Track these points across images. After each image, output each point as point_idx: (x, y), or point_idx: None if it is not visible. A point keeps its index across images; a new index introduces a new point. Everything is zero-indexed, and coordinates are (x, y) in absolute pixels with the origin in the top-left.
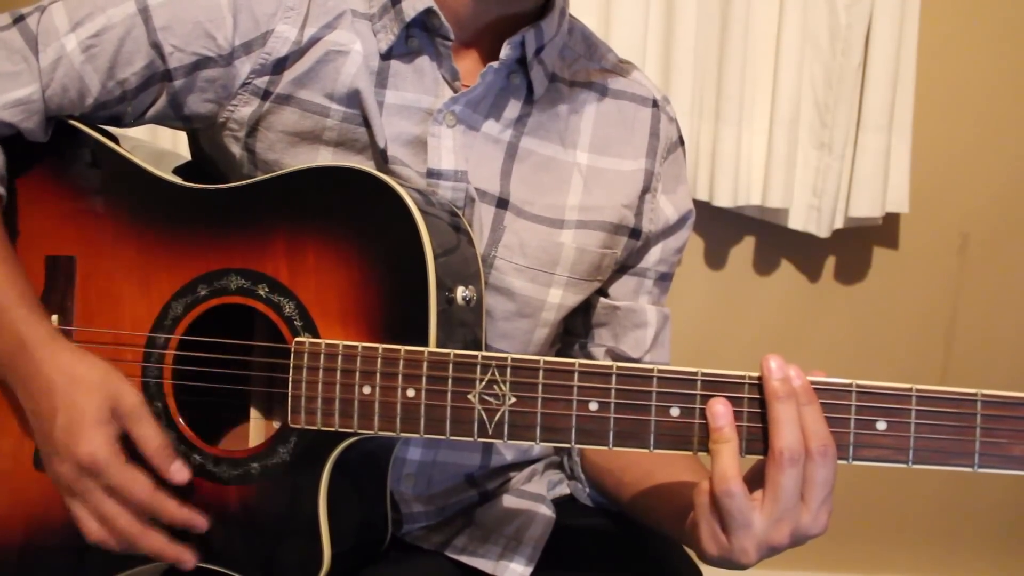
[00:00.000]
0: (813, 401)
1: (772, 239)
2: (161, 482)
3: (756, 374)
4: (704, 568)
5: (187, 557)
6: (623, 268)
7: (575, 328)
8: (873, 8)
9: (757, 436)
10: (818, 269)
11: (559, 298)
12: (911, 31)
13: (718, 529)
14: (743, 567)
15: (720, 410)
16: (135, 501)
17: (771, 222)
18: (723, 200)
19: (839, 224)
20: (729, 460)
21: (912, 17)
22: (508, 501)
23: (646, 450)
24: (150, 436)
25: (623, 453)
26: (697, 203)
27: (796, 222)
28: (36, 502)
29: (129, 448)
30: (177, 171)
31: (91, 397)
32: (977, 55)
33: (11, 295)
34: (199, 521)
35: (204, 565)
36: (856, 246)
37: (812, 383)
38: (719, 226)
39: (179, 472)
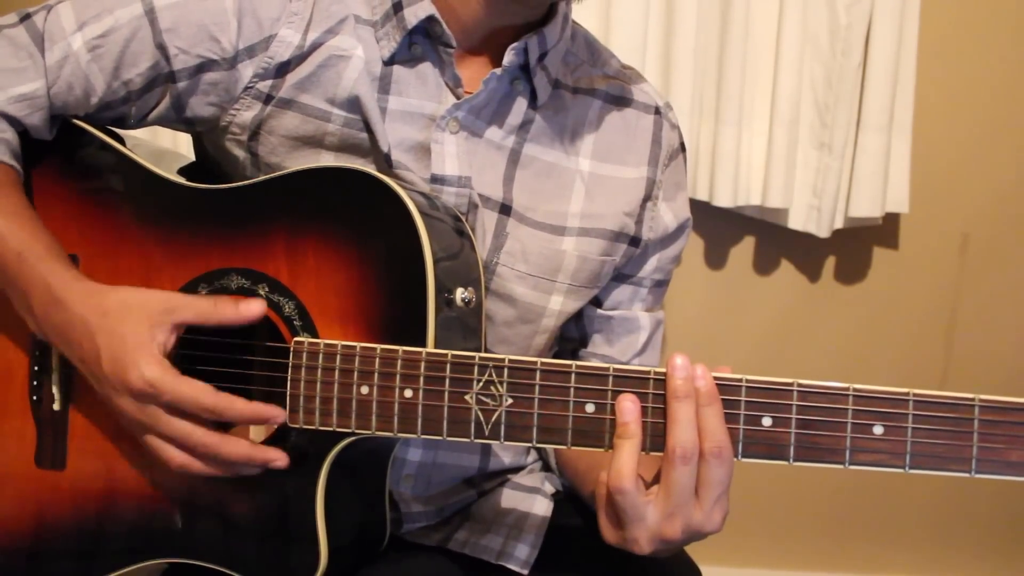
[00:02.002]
0: (714, 402)
1: (772, 239)
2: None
3: (754, 377)
4: (704, 568)
5: (278, 455)
6: (619, 277)
7: (569, 333)
8: (873, 8)
9: (662, 433)
10: (818, 269)
11: (560, 305)
12: (911, 31)
13: (613, 520)
14: (640, 554)
15: (627, 406)
16: (201, 407)
17: (771, 222)
18: (723, 200)
19: (839, 224)
20: (627, 457)
21: (912, 17)
22: (506, 494)
23: (642, 452)
24: (197, 314)
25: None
26: (697, 203)
27: (796, 222)
28: (39, 501)
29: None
30: (182, 171)
31: (126, 322)
32: (977, 55)
33: (37, 249)
34: (273, 412)
35: (204, 564)
36: (856, 246)
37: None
38: (719, 226)
39: (247, 310)
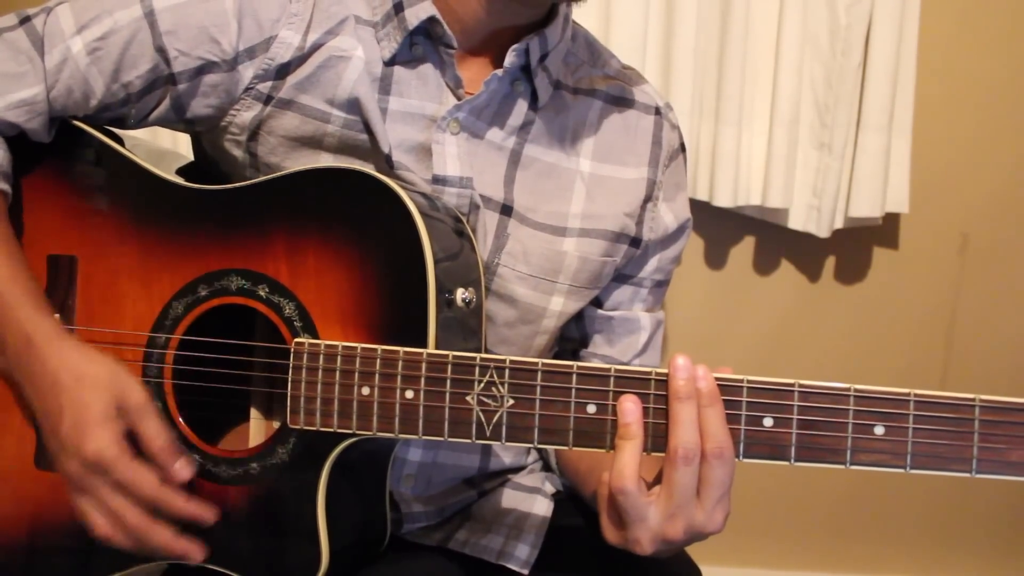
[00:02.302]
0: (716, 403)
1: (772, 239)
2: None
3: (755, 378)
4: (704, 568)
5: (195, 551)
6: (619, 278)
7: (570, 334)
8: (873, 8)
9: (663, 434)
10: (818, 269)
11: (560, 306)
12: (911, 31)
13: (615, 520)
14: (642, 555)
15: (629, 407)
16: (142, 496)
17: (771, 222)
18: (723, 200)
19: (839, 224)
20: (629, 458)
21: (912, 17)
22: (506, 494)
23: (644, 453)
24: (155, 433)
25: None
26: (697, 203)
27: (796, 222)
28: (38, 501)
29: (136, 446)
30: (180, 172)
31: (97, 394)
32: (977, 55)
33: (16, 292)
34: (207, 515)
35: (204, 564)
36: (856, 246)
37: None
38: (719, 226)
39: (183, 470)
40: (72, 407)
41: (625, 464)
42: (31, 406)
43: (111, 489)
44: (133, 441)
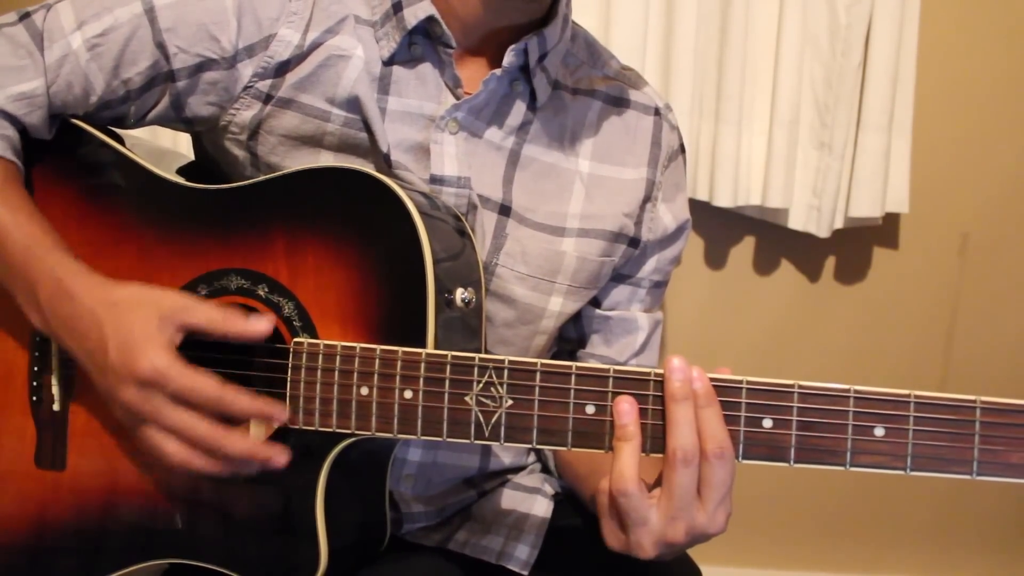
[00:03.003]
0: (713, 403)
1: (772, 239)
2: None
3: (754, 379)
4: (704, 568)
5: (279, 453)
6: (617, 277)
7: (568, 334)
8: (873, 8)
9: (663, 435)
10: (818, 269)
11: (559, 306)
12: (911, 31)
13: (616, 525)
14: (644, 558)
15: (625, 408)
16: (206, 398)
17: (771, 222)
18: (723, 200)
19: (839, 224)
20: (628, 459)
21: (912, 17)
22: (506, 495)
23: (643, 455)
24: (204, 320)
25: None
26: (697, 203)
27: (796, 222)
28: (39, 501)
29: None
30: (181, 171)
31: (135, 314)
32: (977, 55)
33: (46, 242)
34: (277, 410)
35: (204, 564)
36: (856, 246)
37: (784, 384)
38: (719, 226)
39: (255, 326)
40: (114, 334)
41: (625, 466)
42: (29, 397)
43: (173, 404)
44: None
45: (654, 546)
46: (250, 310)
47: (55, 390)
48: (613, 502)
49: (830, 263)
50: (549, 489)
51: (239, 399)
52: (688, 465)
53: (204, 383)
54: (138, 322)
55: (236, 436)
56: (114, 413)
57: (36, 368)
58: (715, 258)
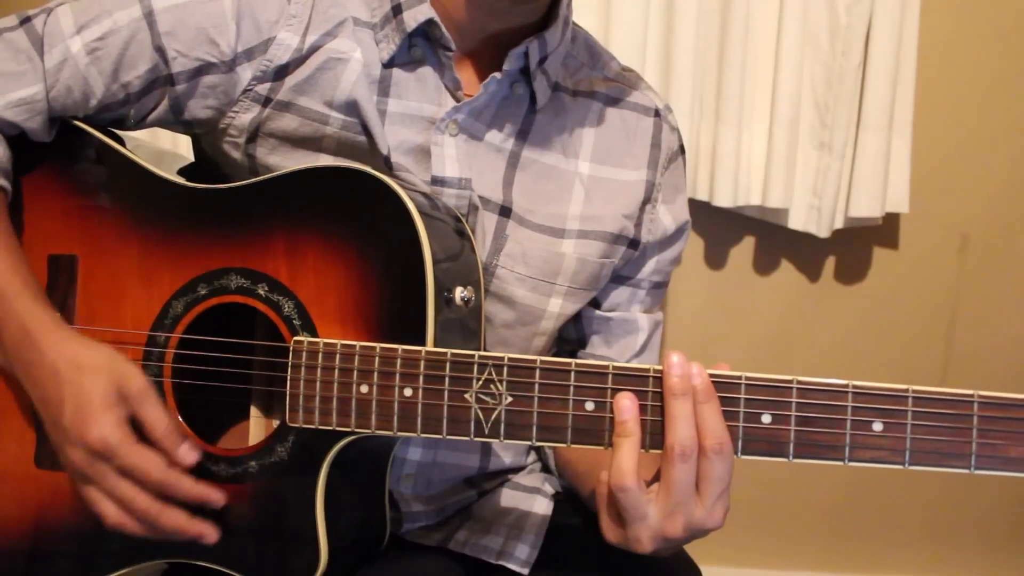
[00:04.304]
0: (712, 399)
1: (772, 239)
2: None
3: (753, 375)
4: (704, 568)
5: (209, 531)
6: (617, 279)
7: (568, 335)
8: (873, 8)
9: (661, 431)
10: (818, 269)
11: (559, 307)
12: (911, 31)
13: (615, 519)
14: (642, 553)
15: (625, 404)
16: (150, 480)
17: (771, 222)
18: (723, 200)
19: (839, 224)
20: (628, 455)
21: (912, 17)
22: (506, 494)
23: (642, 450)
24: (157, 418)
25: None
26: (697, 203)
27: (796, 222)
28: (39, 502)
29: (138, 432)
30: (181, 172)
31: (97, 381)
32: (977, 55)
33: (16, 284)
34: (215, 496)
35: (204, 564)
36: (856, 246)
37: (783, 379)
38: (719, 226)
39: (188, 455)
40: (73, 396)
41: (624, 461)
42: (31, 399)
43: (118, 476)
44: (136, 429)
45: (652, 541)
46: (249, 310)
47: None
48: (612, 497)
49: (830, 263)
50: (549, 488)
51: (182, 483)
52: (686, 460)
53: (151, 463)
54: (97, 391)
55: (170, 512)
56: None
57: None
58: (715, 258)
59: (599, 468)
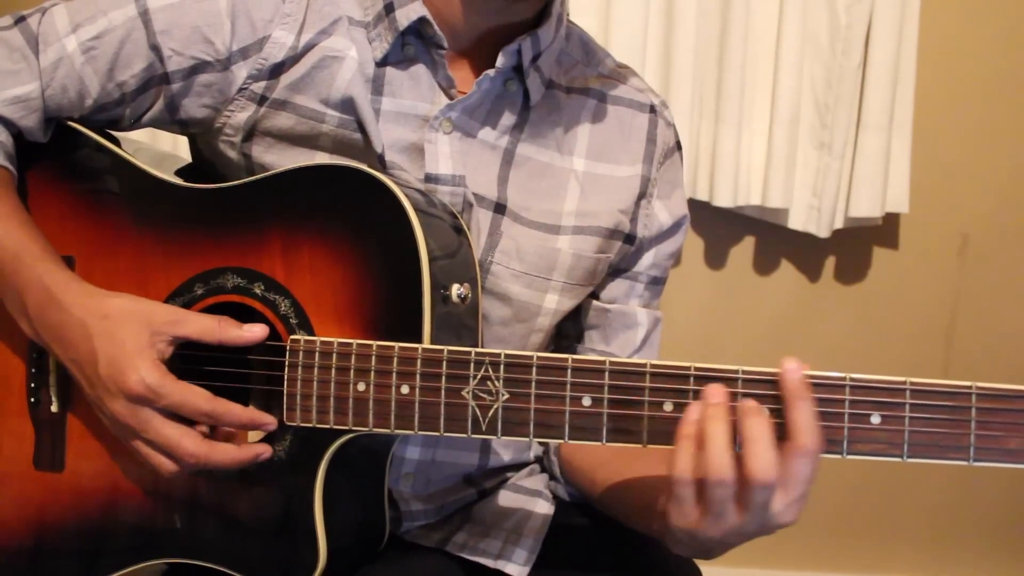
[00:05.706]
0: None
1: (772, 239)
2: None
3: (751, 368)
4: (704, 568)
5: (264, 448)
6: (615, 271)
7: (567, 331)
8: (873, 8)
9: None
10: (818, 269)
11: (555, 303)
12: (911, 31)
13: (695, 511)
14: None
15: (718, 388)
16: (200, 411)
17: (771, 222)
18: (723, 200)
19: (839, 224)
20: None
21: (912, 17)
22: (506, 496)
23: (640, 445)
24: (200, 330)
25: (597, 451)
26: (697, 203)
27: (796, 222)
28: (38, 503)
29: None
30: (178, 173)
31: (127, 327)
32: (977, 55)
33: (34, 250)
34: (267, 419)
35: (203, 564)
36: (856, 246)
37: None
38: (719, 226)
39: (250, 332)
40: (105, 346)
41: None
42: (27, 400)
43: (163, 417)
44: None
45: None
46: (246, 309)
47: (53, 392)
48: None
49: (830, 263)
50: (549, 492)
51: (231, 410)
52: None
53: (196, 397)
54: (129, 336)
55: (221, 448)
56: (103, 421)
57: (34, 370)
58: (715, 258)
59: (602, 466)
